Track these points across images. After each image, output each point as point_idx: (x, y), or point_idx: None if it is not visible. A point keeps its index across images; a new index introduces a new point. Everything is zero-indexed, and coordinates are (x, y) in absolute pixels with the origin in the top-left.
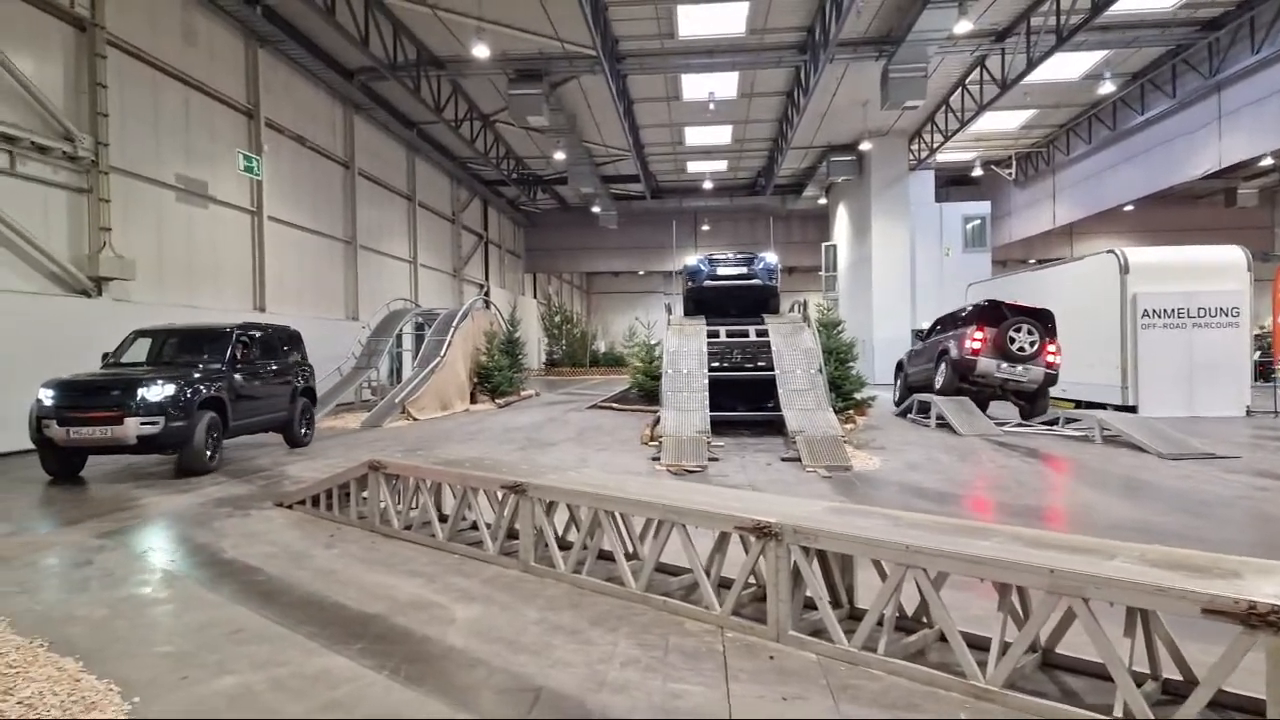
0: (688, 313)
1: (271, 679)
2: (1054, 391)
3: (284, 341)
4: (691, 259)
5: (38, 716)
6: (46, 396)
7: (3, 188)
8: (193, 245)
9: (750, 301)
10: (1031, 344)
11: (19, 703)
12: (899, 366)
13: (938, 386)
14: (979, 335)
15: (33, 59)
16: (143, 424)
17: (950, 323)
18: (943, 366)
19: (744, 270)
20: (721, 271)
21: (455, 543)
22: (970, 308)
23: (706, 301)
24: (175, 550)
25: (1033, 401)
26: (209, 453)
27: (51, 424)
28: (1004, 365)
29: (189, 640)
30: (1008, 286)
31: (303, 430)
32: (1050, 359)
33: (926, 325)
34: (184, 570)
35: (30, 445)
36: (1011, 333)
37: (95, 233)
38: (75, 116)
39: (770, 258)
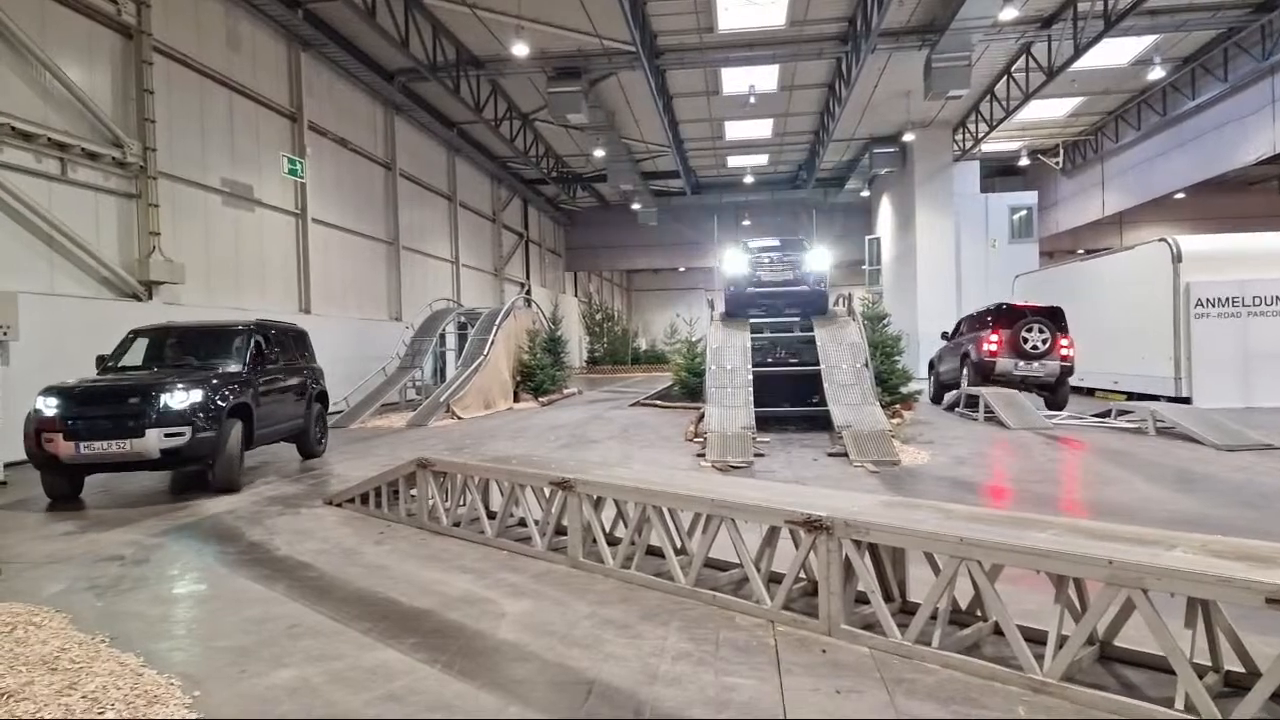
0: (731, 314)
1: (329, 672)
2: (1106, 384)
3: (294, 341)
4: (732, 261)
5: (103, 711)
6: (48, 406)
7: (55, 194)
8: (239, 248)
9: (797, 307)
10: (1044, 341)
11: (83, 697)
12: (931, 365)
13: (962, 389)
14: (995, 338)
15: (82, 67)
16: (167, 435)
17: (970, 325)
18: (966, 368)
19: (789, 276)
20: (766, 278)
21: (504, 539)
22: (985, 311)
23: (750, 306)
24: (229, 547)
25: (1054, 392)
26: (240, 467)
27: (56, 438)
28: (1020, 364)
29: (246, 635)
30: (1056, 278)
31: (318, 438)
32: (1064, 353)
33: (962, 324)
34: (238, 567)
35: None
36: (1024, 333)
37: (145, 237)
38: (124, 123)
39: (818, 264)
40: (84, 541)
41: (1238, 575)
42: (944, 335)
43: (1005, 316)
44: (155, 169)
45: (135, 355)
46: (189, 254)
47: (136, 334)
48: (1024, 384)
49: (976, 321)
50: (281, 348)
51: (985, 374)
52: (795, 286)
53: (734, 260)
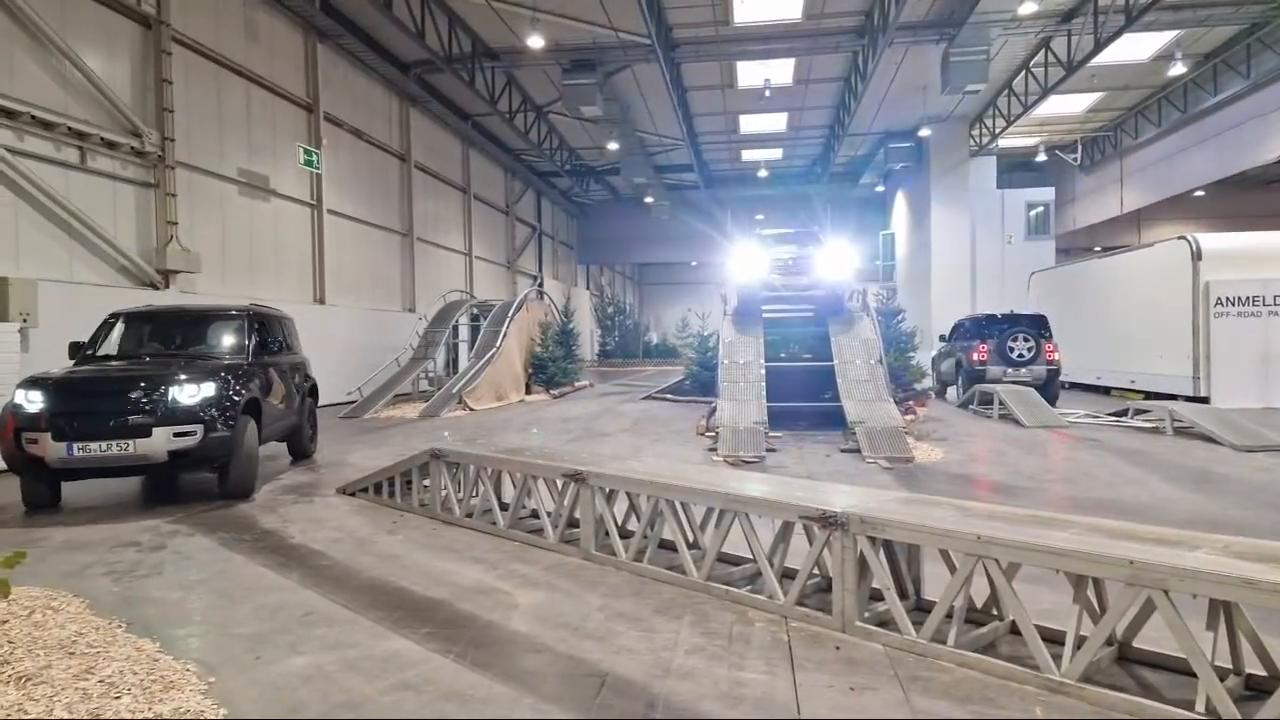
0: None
1: (343, 660)
2: (1123, 383)
3: (284, 329)
4: (743, 263)
5: (119, 696)
6: (31, 400)
7: (74, 183)
8: (255, 238)
9: (811, 305)
10: (1029, 349)
11: (100, 681)
12: (933, 362)
13: (959, 390)
14: (984, 348)
15: (101, 57)
16: (176, 435)
17: (963, 332)
18: (960, 375)
19: (804, 281)
20: (780, 283)
21: (516, 530)
22: (976, 319)
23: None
24: (244, 535)
25: (1045, 389)
26: (256, 470)
27: (41, 438)
28: (1009, 370)
29: (261, 622)
30: (1072, 275)
31: (310, 436)
32: (1050, 357)
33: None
34: (253, 554)
35: None
36: (1010, 342)
37: (162, 226)
38: (142, 112)
39: (836, 278)
40: (101, 528)
41: (1264, 577)
42: (941, 338)
43: (993, 326)
44: (173, 158)
45: (126, 345)
46: (205, 243)
47: (118, 317)
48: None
49: (968, 329)
50: (275, 335)
51: (978, 381)
52: (811, 291)
53: (745, 262)
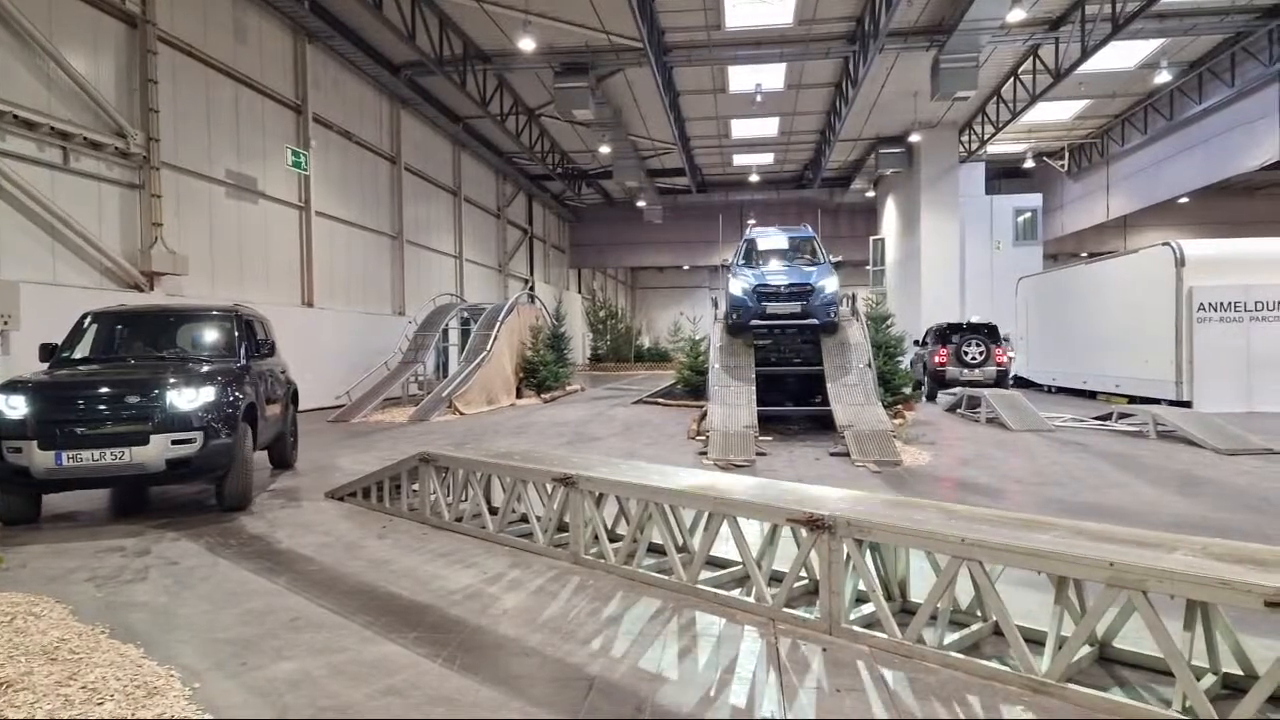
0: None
1: (330, 665)
2: (1108, 387)
3: (266, 331)
4: (735, 274)
5: (102, 703)
6: (13, 406)
7: (57, 184)
8: (243, 240)
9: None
10: (980, 353)
11: (83, 688)
12: (910, 365)
13: (924, 390)
14: (943, 351)
15: (86, 56)
16: (175, 443)
17: (931, 338)
18: (925, 375)
19: (797, 309)
20: (771, 310)
21: (506, 534)
22: (940, 327)
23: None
24: (231, 540)
25: (996, 387)
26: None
27: (27, 446)
28: (965, 371)
29: (247, 627)
30: (1059, 280)
31: (291, 444)
32: (1000, 360)
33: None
34: (240, 559)
35: None
36: (964, 347)
37: (148, 228)
38: (128, 113)
39: (828, 284)
40: (85, 532)
41: (1238, 578)
42: (916, 342)
43: (951, 333)
44: (159, 159)
45: (104, 347)
46: (192, 245)
47: (94, 317)
48: (970, 385)
49: (934, 336)
50: (261, 338)
51: (938, 380)
52: (801, 295)
53: (736, 266)
